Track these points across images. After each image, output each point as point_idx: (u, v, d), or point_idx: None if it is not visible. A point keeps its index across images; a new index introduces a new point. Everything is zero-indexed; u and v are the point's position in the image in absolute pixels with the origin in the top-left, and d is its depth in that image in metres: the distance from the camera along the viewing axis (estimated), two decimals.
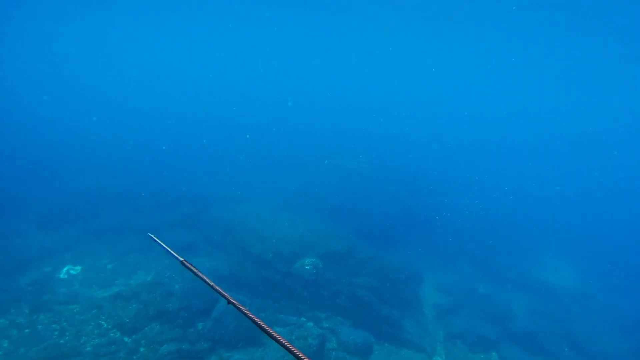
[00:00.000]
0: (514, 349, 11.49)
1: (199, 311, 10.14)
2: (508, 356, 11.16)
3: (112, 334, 8.79)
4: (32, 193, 15.63)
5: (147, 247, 13.57)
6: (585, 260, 17.97)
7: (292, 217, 15.21)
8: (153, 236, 3.22)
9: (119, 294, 10.29)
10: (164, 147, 23.50)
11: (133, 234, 14.17)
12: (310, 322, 11.10)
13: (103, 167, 19.24)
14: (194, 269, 2.40)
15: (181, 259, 2.60)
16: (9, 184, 15.98)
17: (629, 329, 13.42)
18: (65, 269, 11.53)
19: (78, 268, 11.68)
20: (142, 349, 8.45)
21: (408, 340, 11.13)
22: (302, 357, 1.49)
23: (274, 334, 1.66)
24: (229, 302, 2.01)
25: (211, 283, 2.18)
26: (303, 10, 30.64)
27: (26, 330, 8.81)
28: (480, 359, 11.10)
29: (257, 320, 1.78)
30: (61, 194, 15.65)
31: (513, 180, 27.39)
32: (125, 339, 8.73)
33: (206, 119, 33.40)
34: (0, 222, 13.66)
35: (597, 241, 19.88)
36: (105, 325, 8.98)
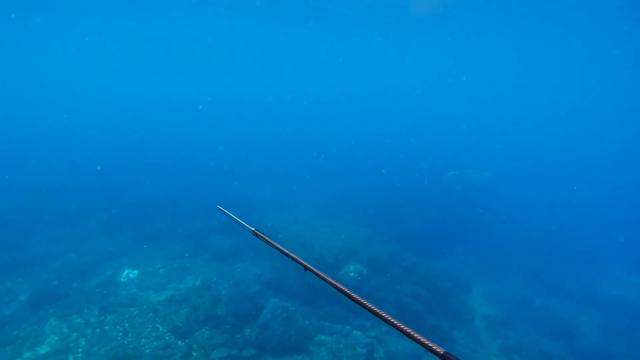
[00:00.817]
0: None
1: (245, 316, 10.36)
2: None
3: (167, 337, 9.22)
4: (95, 200, 16.87)
5: (194, 252, 14.13)
6: None
7: (334, 223, 15.24)
8: (222, 208, 3.22)
9: (171, 298, 10.77)
10: (209, 154, 24.42)
11: (181, 239, 14.83)
12: (356, 331, 11.03)
13: (155, 175, 20.29)
14: (267, 238, 2.38)
15: (252, 228, 2.59)
16: (76, 193, 17.37)
17: None
18: (125, 273, 12.31)
19: (135, 272, 12.39)
20: (194, 354, 8.77)
21: (459, 352, 10.79)
22: (410, 332, 1.33)
23: (364, 302, 1.58)
24: (305, 268, 1.98)
25: (286, 251, 2.16)
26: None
27: (97, 330, 9.56)
28: None
29: (340, 286, 1.72)
30: (120, 201, 16.75)
31: (568, 187, 25.82)
32: (179, 342, 9.10)
33: (250, 126, 34.20)
34: (71, 228, 14.93)
35: None
36: (161, 329, 9.44)
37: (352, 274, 11.93)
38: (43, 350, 9.06)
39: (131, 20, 36.05)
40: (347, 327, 11.12)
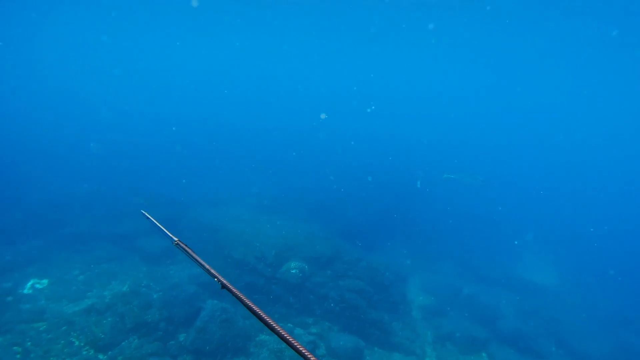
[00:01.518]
0: (504, 349, 11.39)
1: (180, 322, 9.52)
2: (498, 356, 11.05)
3: (84, 352, 8.07)
4: None
5: (121, 255, 12.80)
6: (565, 259, 18.25)
7: (275, 219, 14.74)
8: (146, 213, 3.06)
9: (92, 307, 9.53)
10: (134, 150, 22.49)
11: (105, 242, 13.35)
12: (298, 329, 10.67)
13: (70, 172, 18.10)
14: (188, 250, 2.27)
15: (176, 239, 2.45)
16: None
17: (611, 327, 13.64)
18: (29, 284, 10.54)
19: (45, 281, 10.74)
20: None
21: (398, 343, 10.86)
22: (302, 350, 1.39)
23: (273, 325, 1.59)
24: (223, 286, 1.91)
25: (206, 266, 2.07)
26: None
27: None
28: None
29: (254, 307, 1.69)
30: (25, 203, 14.54)
31: (494, 180, 27.71)
32: (100, 356, 8.03)
33: (180, 120, 32.26)
34: None
35: (574, 240, 20.30)
36: (77, 343, 8.24)
37: (293, 271, 11.54)
38: None
39: None
40: (289, 324, 10.75)
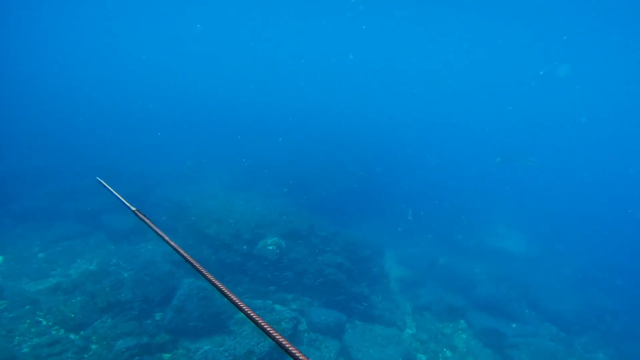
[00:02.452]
0: (481, 315, 11.74)
1: (155, 301, 9.04)
2: (475, 322, 11.37)
3: (54, 332, 7.46)
4: None
5: (85, 232, 12.04)
6: (534, 228, 19.04)
7: (248, 195, 14.29)
8: (102, 181, 2.90)
9: (57, 285, 8.84)
10: (92, 121, 21.04)
11: (66, 219, 12.49)
12: (278, 305, 10.45)
13: (24, 144, 16.68)
14: (147, 220, 2.14)
15: (133, 208, 2.32)
16: None
17: (580, 287, 14.50)
18: None
19: (0, 258, 9.87)
20: (93, 346, 7.27)
21: (379, 316, 10.93)
22: (270, 331, 1.35)
23: (238, 302, 1.52)
24: (185, 260, 1.82)
25: (166, 238, 1.94)
26: None
27: None
28: (450, 328, 11.21)
29: (217, 283, 1.60)
30: None
31: (465, 155, 28.40)
32: (72, 336, 7.45)
33: (145, 89, 30.58)
34: None
35: (544, 211, 21.27)
36: (44, 323, 7.60)
37: (270, 247, 11.25)
38: None
39: None
40: (268, 301, 10.50)
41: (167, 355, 7.65)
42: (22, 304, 8.03)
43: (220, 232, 11.67)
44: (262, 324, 1.38)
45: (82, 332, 7.56)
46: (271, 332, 1.35)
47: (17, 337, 7.12)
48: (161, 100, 28.91)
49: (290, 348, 1.27)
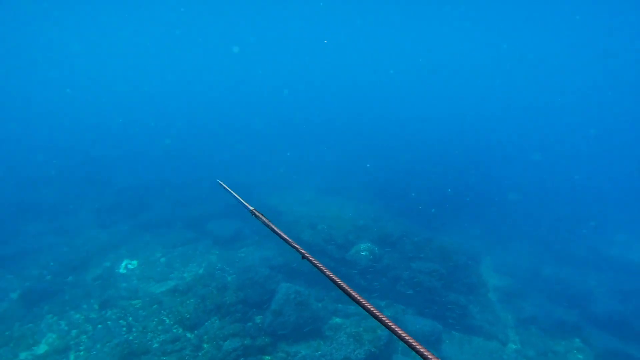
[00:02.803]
0: (601, 334, 10.43)
1: (255, 303, 9.79)
2: (595, 342, 10.13)
3: (174, 330, 8.60)
4: (85, 190, 15.98)
5: (195, 238, 13.46)
6: None
7: (340, 200, 14.64)
8: (222, 183, 3.11)
9: (175, 288, 10.13)
10: (203, 140, 23.44)
11: (180, 225, 14.11)
12: None
13: (145, 161, 19.36)
14: (264, 219, 2.25)
15: (251, 207, 2.45)
16: (64, 183, 16.43)
17: None
18: (123, 264, 11.59)
19: (135, 262, 11.67)
20: (205, 345, 8.19)
21: (477, 327, 10.40)
22: (391, 325, 1.32)
23: (357, 297, 1.50)
24: (303, 256, 1.86)
25: (284, 235, 2.02)
26: None
27: (99, 326, 8.90)
28: (562, 346, 10.18)
29: (336, 279, 1.62)
30: (111, 190, 15.86)
31: (571, 158, 25.52)
32: (188, 334, 8.51)
33: (246, 112, 33.14)
34: (61, 220, 14.08)
35: None
36: (167, 321, 8.81)
37: (363, 253, 11.39)
38: (41, 349, 8.40)
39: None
40: (360, 308, 10.63)
41: (268, 358, 8.27)
42: (151, 304, 9.41)
43: (314, 236, 12.16)
44: (389, 323, 1.34)
45: (195, 332, 8.57)
46: (399, 332, 1.28)
47: (149, 334, 8.37)
48: (255, 113, 30.95)
49: (419, 348, 1.17)
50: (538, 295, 12.31)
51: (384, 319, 1.38)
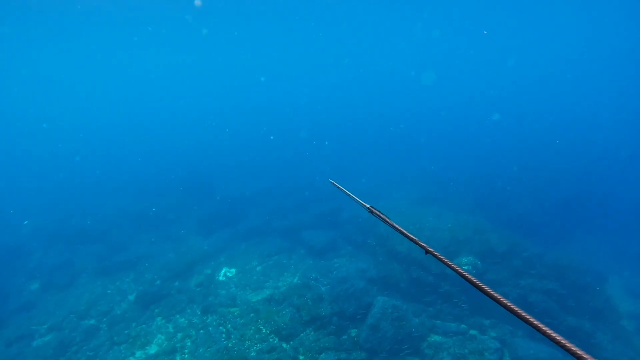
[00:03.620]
0: None
1: (350, 316, 9.48)
2: None
3: (271, 339, 8.64)
4: (188, 201, 17.31)
5: (289, 247, 13.61)
6: None
7: (437, 210, 13.75)
8: (334, 182, 3.09)
9: (271, 297, 10.25)
10: (293, 152, 24.07)
11: (275, 235, 14.41)
12: (473, 330, 9.61)
13: (241, 173, 20.41)
14: (383, 216, 2.17)
15: (367, 205, 2.38)
16: (171, 194, 18.02)
17: None
18: (222, 271, 12.15)
19: (233, 270, 12.15)
20: (301, 357, 8.08)
21: (608, 359, 8.85)
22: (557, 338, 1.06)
23: (493, 293, 1.31)
24: (426, 251, 1.77)
25: (405, 232, 1.91)
26: None
27: (201, 331, 9.36)
28: None
29: (466, 274, 1.47)
30: (212, 200, 16.92)
31: None
32: (284, 345, 8.47)
33: (332, 122, 33.64)
34: (169, 228, 15.39)
35: None
36: (264, 330, 8.89)
37: (465, 267, 10.47)
38: (152, 349, 9.03)
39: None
40: (462, 326, 9.75)
41: None
42: (248, 312, 9.62)
43: (411, 249, 11.52)
44: (551, 333, 1.11)
45: (291, 342, 8.51)
46: (562, 341, 1.07)
47: (246, 342, 8.52)
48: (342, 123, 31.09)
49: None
50: None
51: (529, 318, 1.19)
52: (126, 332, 9.64)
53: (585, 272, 10.69)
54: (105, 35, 29.41)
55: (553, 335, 1.08)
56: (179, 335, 9.37)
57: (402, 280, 10.80)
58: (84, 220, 16.33)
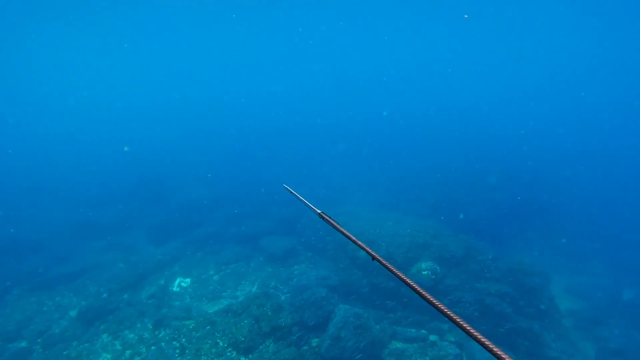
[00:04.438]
0: None
1: (312, 326, 9.25)
2: None
3: (229, 354, 8.21)
4: (140, 207, 16.35)
5: (247, 255, 13.19)
6: None
7: (396, 216, 13.92)
8: (288, 187, 3.06)
9: (229, 307, 9.78)
10: (246, 157, 23.57)
11: (232, 242, 13.92)
12: (433, 335, 9.71)
13: (197, 178, 19.64)
14: (333, 222, 2.16)
15: (319, 211, 2.37)
16: (120, 200, 16.93)
17: None
18: (177, 282, 11.49)
19: (188, 280, 11.52)
20: None
21: (554, 358, 9.24)
22: (478, 336, 1.14)
23: (434, 301, 1.37)
24: (373, 258, 1.79)
25: (353, 238, 1.94)
26: None
27: (152, 347, 8.70)
28: None
29: (410, 282, 1.49)
30: (166, 207, 16.09)
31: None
32: (243, 359, 8.07)
33: (287, 125, 33.34)
34: (118, 237, 14.39)
35: None
36: (221, 344, 8.44)
37: (425, 272, 10.59)
38: None
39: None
40: (422, 331, 9.83)
41: None
42: (204, 325, 9.11)
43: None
44: (469, 329, 1.19)
45: (250, 356, 8.14)
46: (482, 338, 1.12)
47: (202, 357, 8.04)
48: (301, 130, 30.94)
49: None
50: (621, 322, 10.91)
51: (465, 326, 1.22)
52: (65, 352, 8.77)
53: (534, 274, 11.15)
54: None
55: (482, 340, 1.11)
56: (128, 352, 8.67)
57: (363, 286, 10.74)
58: (17, 229, 14.89)
